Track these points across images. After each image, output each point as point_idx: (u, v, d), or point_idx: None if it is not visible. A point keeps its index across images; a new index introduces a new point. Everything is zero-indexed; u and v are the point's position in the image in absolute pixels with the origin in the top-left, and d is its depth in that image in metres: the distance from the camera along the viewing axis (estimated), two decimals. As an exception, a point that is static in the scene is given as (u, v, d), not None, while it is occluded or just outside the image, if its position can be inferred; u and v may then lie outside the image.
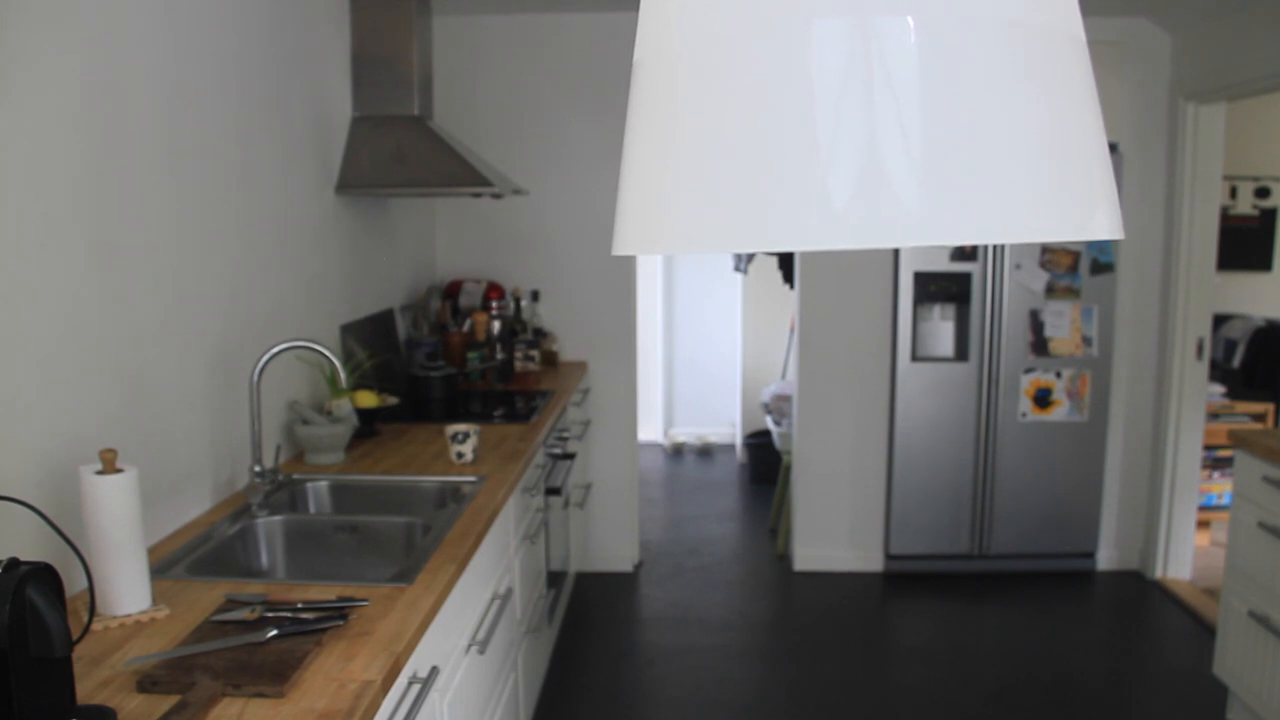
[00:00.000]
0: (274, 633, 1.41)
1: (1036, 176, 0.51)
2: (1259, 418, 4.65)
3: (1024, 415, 4.01)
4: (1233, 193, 5.43)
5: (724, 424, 6.60)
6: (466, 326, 3.81)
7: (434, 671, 1.60)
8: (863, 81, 0.49)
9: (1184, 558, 4.07)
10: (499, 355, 3.79)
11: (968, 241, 0.50)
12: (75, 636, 1.17)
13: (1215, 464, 4.51)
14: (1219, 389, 4.69)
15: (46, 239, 1.55)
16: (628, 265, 4.10)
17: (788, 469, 4.47)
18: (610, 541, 4.26)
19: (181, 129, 1.98)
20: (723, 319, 6.46)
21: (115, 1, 1.74)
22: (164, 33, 1.91)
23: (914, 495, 4.09)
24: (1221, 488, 4.51)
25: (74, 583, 1.58)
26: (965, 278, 3.94)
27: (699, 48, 0.53)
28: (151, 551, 1.81)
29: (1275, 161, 5.43)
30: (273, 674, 1.30)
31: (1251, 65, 3.47)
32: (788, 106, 0.50)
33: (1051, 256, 3.94)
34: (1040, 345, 3.97)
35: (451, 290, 4.03)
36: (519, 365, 3.87)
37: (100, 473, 1.49)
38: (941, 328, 4.04)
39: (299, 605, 1.53)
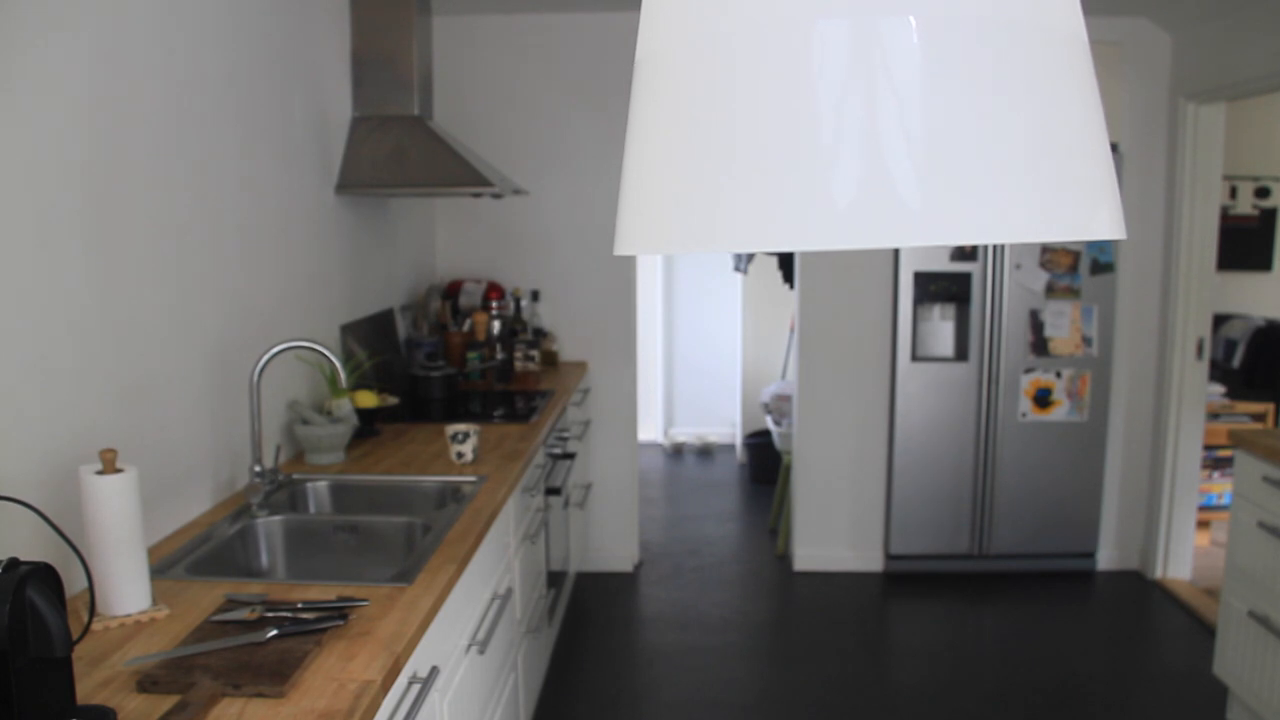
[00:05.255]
0: (274, 633, 1.41)
1: (1038, 176, 0.51)
2: (1259, 418, 4.65)
3: (1024, 415, 4.01)
4: (1233, 193, 5.43)
5: (724, 424, 6.60)
6: (466, 326, 3.81)
7: (434, 671, 1.60)
8: (865, 81, 0.49)
9: (1184, 558, 4.07)
10: (499, 355, 3.78)
11: (970, 241, 0.50)
12: (75, 636, 1.17)
13: (1215, 464, 4.51)
14: (1219, 389, 4.69)
15: (46, 239, 1.55)
16: (628, 265, 4.10)
17: (788, 469, 4.47)
18: (610, 541, 4.26)
19: (182, 129, 1.98)
20: (723, 319, 6.46)
21: (117, 2, 1.74)
22: (165, 33, 1.91)
23: (914, 495, 4.09)
24: (1221, 488, 4.51)
25: (74, 583, 1.58)
26: (965, 278, 3.94)
27: (701, 47, 0.53)
28: (151, 551, 1.81)
29: (1275, 161, 5.43)
30: (273, 674, 1.29)
31: (1251, 65, 3.47)
32: (790, 107, 0.50)
33: (1051, 256, 3.94)
34: (1040, 345, 3.97)
35: (451, 290, 4.03)
36: (519, 365, 3.87)
37: (100, 473, 1.49)
38: (941, 328, 4.04)
39: (299, 605, 1.52)
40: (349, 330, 3.01)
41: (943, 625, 3.74)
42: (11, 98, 1.46)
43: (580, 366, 4.05)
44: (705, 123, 0.53)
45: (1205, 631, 3.55)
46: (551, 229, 4.08)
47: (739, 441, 6.23)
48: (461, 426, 2.47)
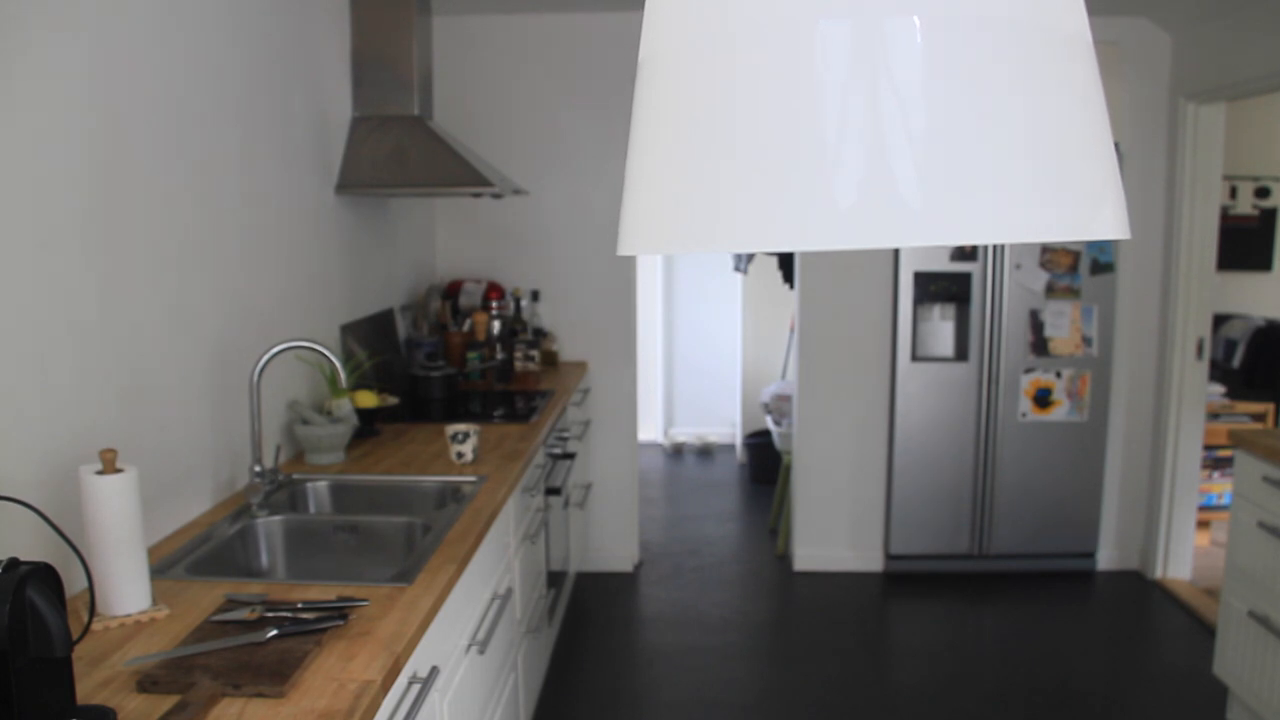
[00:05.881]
0: (274, 633, 1.41)
1: (1040, 176, 0.51)
2: (1259, 418, 4.65)
3: (1024, 415, 4.01)
4: (1233, 193, 5.43)
5: (724, 424, 6.60)
6: (466, 326, 3.81)
7: (434, 671, 1.60)
8: (867, 81, 0.49)
9: (1184, 558, 4.07)
10: (499, 355, 3.78)
11: (972, 241, 0.50)
12: (75, 636, 1.17)
13: (1215, 464, 4.51)
14: (1219, 389, 4.69)
15: (47, 239, 1.55)
16: (628, 265, 4.10)
17: (788, 469, 4.47)
18: (610, 541, 4.26)
19: (182, 129, 1.98)
20: (723, 319, 6.46)
21: (117, 2, 1.74)
22: (165, 32, 1.91)
23: (914, 495, 4.09)
24: (1221, 488, 4.51)
25: (74, 583, 1.58)
26: (965, 278, 3.94)
27: (704, 48, 0.53)
28: (151, 551, 1.81)
29: (1275, 161, 5.42)
30: (273, 674, 1.29)
31: (1251, 65, 3.47)
32: (792, 107, 0.50)
33: (1051, 256, 3.94)
34: (1040, 345, 3.97)
35: (451, 290, 4.03)
36: (519, 365, 3.87)
37: (100, 473, 1.49)
38: (941, 328, 4.04)
39: (299, 605, 1.52)
40: (349, 330, 3.01)
41: (943, 625, 3.74)
42: (11, 98, 1.46)
43: (580, 366, 4.05)
44: (707, 123, 0.53)
45: (1205, 631, 3.55)
46: (551, 229, 4.08)
47: (739, 441, 6.23)
48: (461, 426, 2.47)
